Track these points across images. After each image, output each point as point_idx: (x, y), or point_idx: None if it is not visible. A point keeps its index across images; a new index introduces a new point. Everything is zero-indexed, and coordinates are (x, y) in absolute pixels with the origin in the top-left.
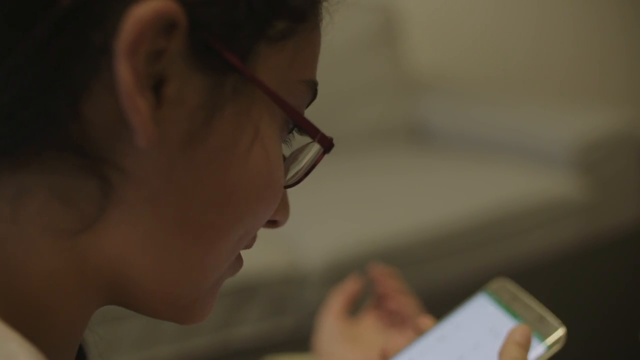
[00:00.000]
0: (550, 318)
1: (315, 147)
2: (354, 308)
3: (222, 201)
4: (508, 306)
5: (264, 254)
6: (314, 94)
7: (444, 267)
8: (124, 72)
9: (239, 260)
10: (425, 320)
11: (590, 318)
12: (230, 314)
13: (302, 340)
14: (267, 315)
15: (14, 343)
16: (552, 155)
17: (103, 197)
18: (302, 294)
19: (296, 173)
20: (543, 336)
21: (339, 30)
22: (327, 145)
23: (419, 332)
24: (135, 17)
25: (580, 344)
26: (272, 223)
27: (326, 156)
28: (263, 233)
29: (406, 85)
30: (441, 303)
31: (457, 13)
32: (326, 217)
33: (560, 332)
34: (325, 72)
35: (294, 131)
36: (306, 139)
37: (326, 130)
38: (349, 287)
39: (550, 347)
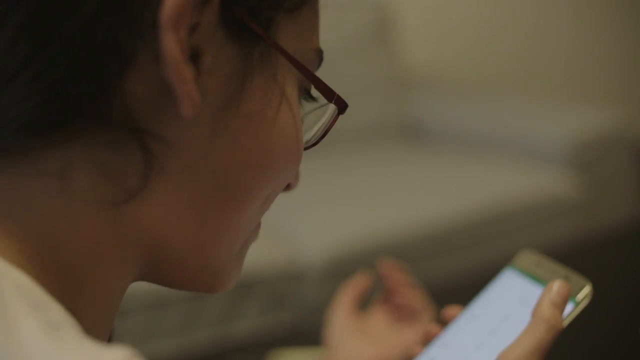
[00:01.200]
0: (576, 276)
1: (331, 109)
2: (364, 302)
3: (255, 162)
4: (533, 274)
5: (263, 250)
6: (320, 61)
7: (440, 264)
8: (171, 44)
9: (259, 226)
10: (452, 310)
11: (586, 316)
12: (230, 309)
13: (301, 335)
14: (266, 311)
15: (56, 312)
16: (547, 153)
17: (146, 167)
18: (301, 290)
19: (314, 135)
20: (571, 294)
21: (333, 28)
22: (342, 106)
23: (445, 323)
24: None
25: (577, 341)
26: (287, 187)
27: (322, 153)
28: (262, 229)
29: (401, 83)
30: (437, 300)
31: (451, 11)
32: (324, 214)
33: (587, 288)
34: (319, 70)
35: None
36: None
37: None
38: (358, 283)
39: (578, 303)
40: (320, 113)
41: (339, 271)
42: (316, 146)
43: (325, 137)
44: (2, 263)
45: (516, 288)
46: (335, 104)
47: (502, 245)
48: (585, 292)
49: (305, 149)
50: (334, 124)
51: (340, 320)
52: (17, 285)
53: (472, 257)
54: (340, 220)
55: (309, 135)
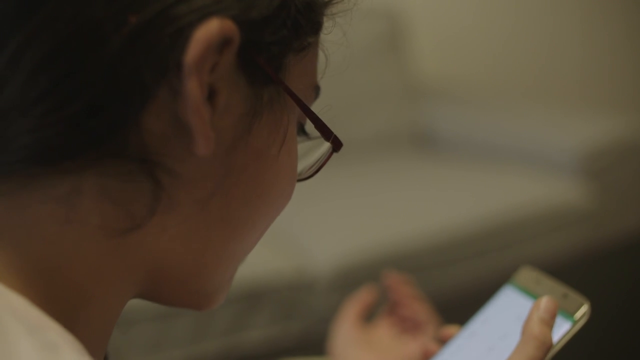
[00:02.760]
0: (574, 294)
1: (325, 146)
2: (369, 315)
3: (258, 197)
4: (532, 291)
5: (273, 259)
6: (316, 97)
7: (450, 274)
8: (194, 86)
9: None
10: (450, 330)
11: (596, 325)
12: (239, 319)
13: (310, 345)
14: (275, 321)
15: (54, 333)
16: (558, 162)
17: (154, 199)
18: (310, 300)
19: (308, 169)
20: (569, 312)
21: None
22: (338, 146)
23: (444, 342)
24: (203, 36)
25: (586, 350)
26: None
27: (333, 162)
28: (271, 239)
29: (412, 91)
30: (448, 309)
31: (462, 20)
32: (334, 223)
33: (585, 307)
34: (331, 79)
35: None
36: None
37: None
38: (363, 296)
39: (576, 322)
40: (309, 144)
41: (348, 281)
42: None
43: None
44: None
45: (515, 305)
46: (332, 143)
47: (513, 253)
48: (583, 310)
49: (298, 181)
50: (327, 160)
51: (345, 331)
52: (13, 308)
53: (483, 266)
54: (349, 229)
55: (303, 167)
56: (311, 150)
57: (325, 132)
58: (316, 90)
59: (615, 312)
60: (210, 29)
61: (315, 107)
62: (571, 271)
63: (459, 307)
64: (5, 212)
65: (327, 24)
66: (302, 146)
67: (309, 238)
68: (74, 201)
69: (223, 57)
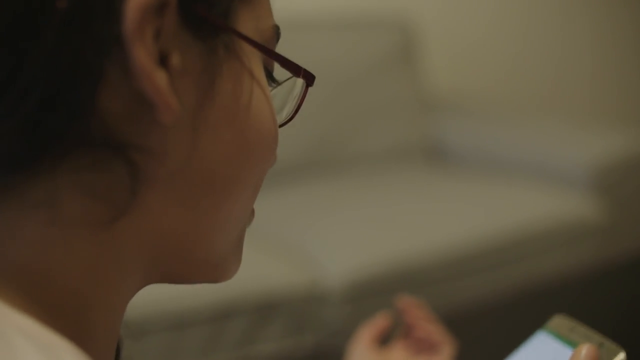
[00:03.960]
0: (610, 343)
1: (299, 83)
2: (384, 339)
3: (238, 152)
4: (567, 338)
5: (285, 272)
6: (278, 38)
7: (462, 288)
8: (139, 55)
9: (253, 212)
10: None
11: (608, 337)
12: (252, 332)
13: (323, 358)
14: (288, 333)
15: (64, 351)
16: (569, 176)
17: (133, 181)
18: (323, 313)
19: (287, 111)
20: None
21: (357, 49)
22: (310, 79)
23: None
24: (136, 4)
25: None
26: None
27: (345, 175)
28: (284, 251)
29: (424, 104)
30: (459, 323)
31: (474, 34)
32: (346, 236)
33: (621, 355)
34: (343, 91)
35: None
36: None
37: (345, 150)
38: (378, 322)
39: None
40: (285, 91)
41: (361, 294)
42: (340, 167)
43: (349, 158)
44: (2, 308)
45: (550, 351)
46: (303, 77)
47: (525, 268)
48: (619, 358)
49: (280, 126)
50: (304, 97)
51: (360, 353)
52: (22, 329)
53: (494, 280)
54: (362, 242)
55: (281, 114)
56: (286, 94)
57: (293, 68)
58: (275, 30)
59: (627, 327)
60: None
61: (326, 119)
62: (582, 285)
63: (470, 321)
64: None
65: (341, 37)
66: (279, 95)
67: (322, 251)
68: (54, 202)
69: (165, 19)
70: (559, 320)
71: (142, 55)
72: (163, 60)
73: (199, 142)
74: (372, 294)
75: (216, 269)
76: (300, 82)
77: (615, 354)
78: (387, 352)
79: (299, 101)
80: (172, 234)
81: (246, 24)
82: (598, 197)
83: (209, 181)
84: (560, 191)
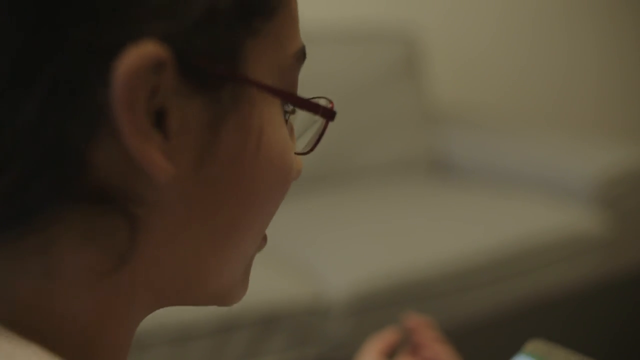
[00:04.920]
0: None
1: (320, 120)
2: (391, 354)
3: (245, 200)
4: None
5: (288, 285)
6: (304, 58)
7: (465, 301)
8: (124, 123)
9: (264, 239)
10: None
11: (611, 354)
12: (255, 345)
13: None
14: (290, 347)
15: None
16: (573, 190)
17: (132, 231)
18: (326, 326)
19: (307, 144)
20: None
21: (362, 62)
22: (330, 115)
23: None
24: (123, 70)
25: None
26: None
27: (348, 187)
28: (287, 265)
29: (428, 117)
30: (463, 336)
31: (478, 47)
32: (350, 249)
33: None
34: (347, 104)
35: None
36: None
37: (349, 163)
38: (388, 335)
39: None
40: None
41: (364, 307)
42: (344, 180)
43: (353, 171)
44: (17, 342)
45: None
46: (323, 116)
47: (528, 281)
48: None
49: (298, 154)
50: (324, 132)
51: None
52: (39, 357)
53: (497, 293)
54: (365, 255)
55: (301, 143)
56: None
57: (311, 108)
58: (300, 54)
59: (631, 342)
60: (129, 62)
61: (330, 133)
62: (585, 299)
63: (473, 334)
64: None
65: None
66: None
67: (325, 264)
68: (51, 253)
69: (162, 76)
70: (536, 345)
71: (127, 124)
72: (159, 119)
73: (201, 196)
74: (374, 308)
75: (225, 296)
76: (320, 118)
77: None
78: None
79: (319, 136)
80: (179, 273)
81: (259, 61)
82: (602, 210)
83: (214, 229)
84: (564, 204)
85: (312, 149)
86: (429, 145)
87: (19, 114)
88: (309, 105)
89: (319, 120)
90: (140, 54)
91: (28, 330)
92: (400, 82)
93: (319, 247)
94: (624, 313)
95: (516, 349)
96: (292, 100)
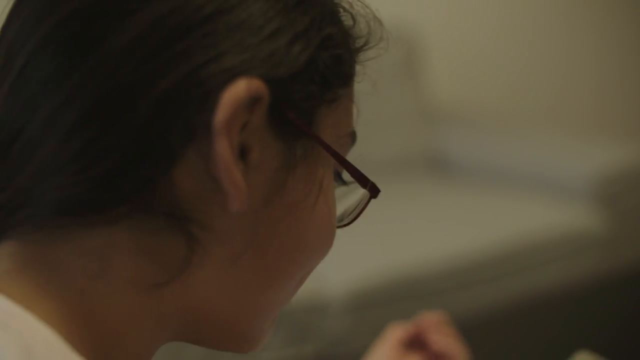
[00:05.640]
0: None
1: (363, 193)
2: (409, 344)
3: (294, 248)
4: None
5: None
6: (354, 141)
7: (463, 298)
8: (223, 148)
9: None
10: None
11: (610, 350)
12: None
13: None
14: (289, 343)
15: None
16: (571, 188)
17: (189, 252)
18: (324, 323)
19: (347, 216)
20: None
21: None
22: (375, 192)
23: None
24: (231, 98)
25: None
26: None
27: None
28: None
29: (426, 116)
30: (461, 333)
31: (476, 45)
32: (348, 246)
33: None
34: None
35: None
36: None
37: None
38: (408, 326)
39: None
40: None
41: (362, 304)
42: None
43: (351, 169)
44: (34, 321)
45: None
46: (369, 190)
47: (526, 279)
48: None
49: (338, 227)
50: (366, 207)
51: (384, 351)
52: (48, 343)
53: (496, 291)
54: (364, 252)
55: (341, 213)
56: (348, 193)
57: (362, 181)
58: (352, 136)
59: (629, 338)
60: (238, 90)
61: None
62: (583, 296)
63: (471, 331)
64: (40, 261)
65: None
66: (338, 190)
67: (323, 261)
68: (107, 254)
69: (253, 115)
70: (585, 356)
71: (226, 148)
72: (243, 153)
73: (260, 232)
74: (373, 305)
75: (245, 344)
76: (363, 191)
77: None
78: (408, 357)
79: (360, 210)
80: (214, 307)
81: (326, 130)
82: (601, 208)
83: (262, 269)
84: (563, 202)
85: (352, 222)
86: (427, 144)
87: (135, 110)
88: (362, 178)
89: (359, 195)
90: (247, 87)
91: (64, 322)
92: (398, 80)
93: None
94: (622, 310)
95: (515, 344)
96: (350, 168)
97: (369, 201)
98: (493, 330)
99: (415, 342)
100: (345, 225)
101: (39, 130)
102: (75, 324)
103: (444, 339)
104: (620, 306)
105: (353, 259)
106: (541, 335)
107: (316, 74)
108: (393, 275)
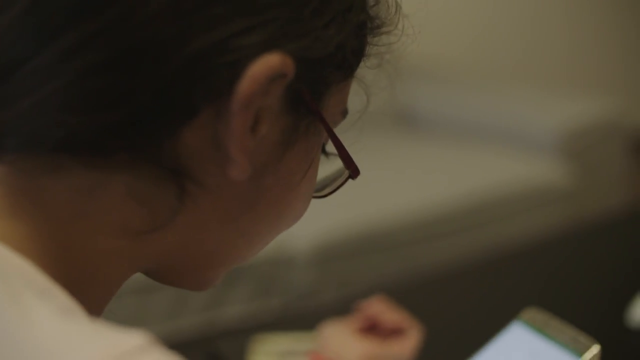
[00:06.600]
0: (583, 338)
1: (345, 173)
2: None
3: (273, 216)
4: (542, 331)
5: None
6: (344, 117)
7: (428, 251)
8: (241, 120)
9: None
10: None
11: (574, 302)
12: (218, 295)
13: (289, 320)
14: (254, 296)
15: (64, 299)
16: (539, 142)
17: (178, 203)
18: (290, 276)
19: (322, 187)
20: (579, 354)
21: None
22: (355, 173)
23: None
24: (260, 71)
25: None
26: None
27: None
28: None
29: (393, 70)
30: (425, 285)
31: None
32: (313, 200)
33: (594, 349)
34: None
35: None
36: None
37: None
38: (358, 316)
39: None
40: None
41: (327, 257)
42: None
43: (343, 152)
44: (5, 250)
45: (526, 342)
46: (352, 172)
47: (492, 231)
48: (593, 352)
49: (313, 197)
50: (344, 184)
51: (340, 327)
52: (22, 271)
53: (462, 243)
54: (329, 206)
55: (320, 186)
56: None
57: (348, 162)
58: (344, 113)
59: (594, 290)
60: (269, 65)
61: None
62: (549, 249)
63: (436, 284)
64: (25, 189)
65: None
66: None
67: None
68: (96, 194)
69: (272, 89)
70: (533, 314)
71: (242, 121)
72: (254, 123)
73: (246, 197)
74: (338, 257)
75: (205, 285)
76: (345, 171)
77: (589, 347)
78: (361, 338)
79: (338, 186)
80: (186, 256)
81: (329, 109)
82: (567, 161)
83: (242, 229)
84: (529, 156)
85: (328, 195)
86: (393, 98)
87: (165, 64)
88: (348, 160)
89: (341, 175)
90: (278, 63)
91: (39, 252)
92: None
93: None
94: (587, 262)
95: (480, 297)
96: (342, 152)
97: (346, 180)
98: (458, 282)
99: (366, 328)
100: (321, 197)
101: (54, 61)
102: (49, 255)
103: (395, 316)
104: (585, 257)
105: (319, 211)
106: (505, 288)
107: (342, 60)
108: (359, 228)
